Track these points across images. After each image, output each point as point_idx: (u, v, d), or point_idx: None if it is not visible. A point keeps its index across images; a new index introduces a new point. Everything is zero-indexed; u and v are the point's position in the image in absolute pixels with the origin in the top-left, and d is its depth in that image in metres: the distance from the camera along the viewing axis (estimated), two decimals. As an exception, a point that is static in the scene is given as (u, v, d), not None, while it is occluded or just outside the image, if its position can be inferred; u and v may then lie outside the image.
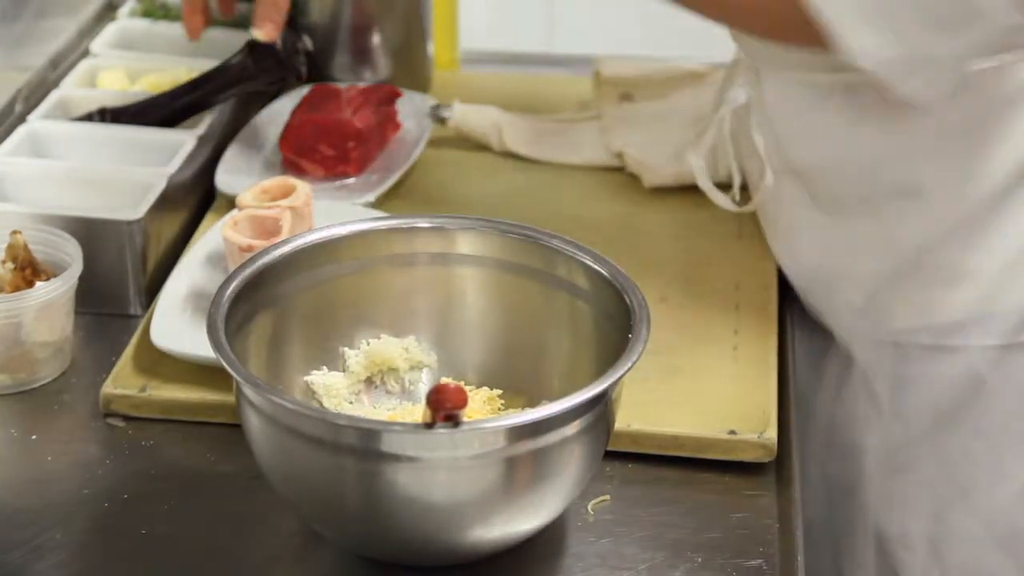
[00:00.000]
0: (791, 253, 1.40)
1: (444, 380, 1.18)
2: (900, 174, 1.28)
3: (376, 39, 1.75)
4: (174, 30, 1.76)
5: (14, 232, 1.33)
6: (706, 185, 1.41)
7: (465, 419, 1.01)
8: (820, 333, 1.40)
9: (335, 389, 1.20)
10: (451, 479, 1.04)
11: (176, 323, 1.32)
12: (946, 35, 1.13)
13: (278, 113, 1.64)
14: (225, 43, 1.74)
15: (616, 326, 1.13)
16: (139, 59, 1.69)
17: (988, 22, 1.12)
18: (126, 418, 1.27)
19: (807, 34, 1.17)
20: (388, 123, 1.64)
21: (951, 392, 1.32)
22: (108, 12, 1.81)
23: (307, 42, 1.51)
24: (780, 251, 1.41)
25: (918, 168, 1.27)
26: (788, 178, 1.36)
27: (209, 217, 1.52)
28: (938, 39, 1.13)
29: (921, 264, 1.30)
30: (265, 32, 1.50)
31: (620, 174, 1.60)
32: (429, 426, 1.01)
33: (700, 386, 1.29)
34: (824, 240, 1.35)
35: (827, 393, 1.39)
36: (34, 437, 1.26)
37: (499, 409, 1.20)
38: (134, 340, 1.33)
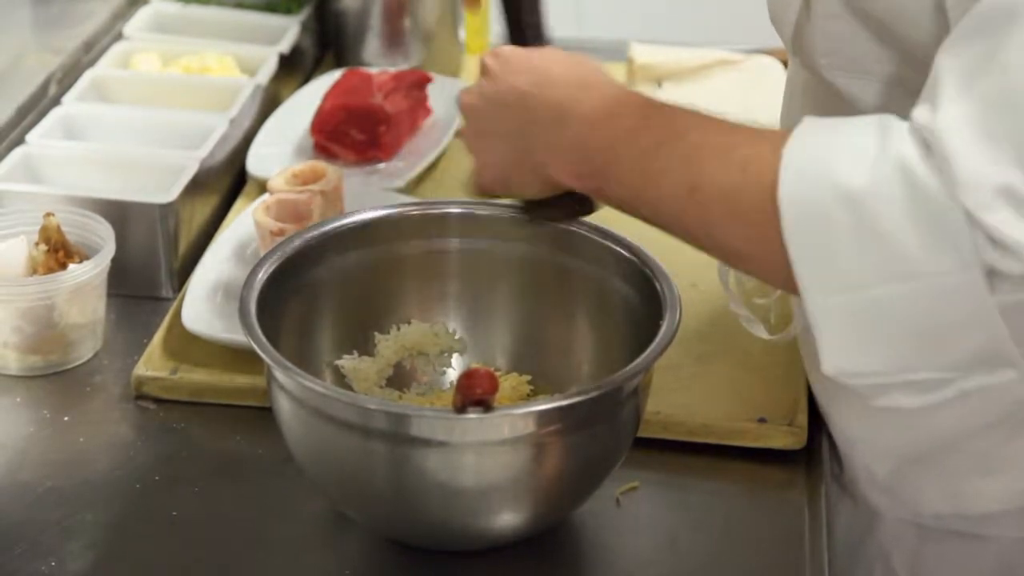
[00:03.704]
0: (821, 387, 1.25)
1: (474, 365, 1.18)
2: None
3: (407, 24, 1.75)
4: (207, 13, 1.77)
5: (47, 214, 1.33)
6: (739, 310, 1.29)
7: (495, 405, 1.01)
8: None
9: (365, 373, 1.20)
10: (480, 464, 1.04)
11: (207, 306, 1.33)
12: (932, 352, 0.97)
13: (309, 98, 1.64)
14: (260, 28, 1.75)
15: (646, 312, 1.12)
16: (172, 42, 1.70)
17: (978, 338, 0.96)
18: (157, 400, 1.28)
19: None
20: (419, 108, 1.64)
21: None
22: (141, -5, 1.82)
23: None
24: (811, 377, 1.27)
25: None
26: None
27: (240, 201, 1.53)
28: (924, 361, 0.97)
29: (956, 449, 1.16)
30: None
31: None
32: (459, 411, 1.01)
33: (730, 373, 1.29)
34: (852, 396, 1.13)
35: (839, 549, 1.24)
36: (66, 418, 1.27)
37: (528, 394, 1.20)
38: (165, 323, 1.34)
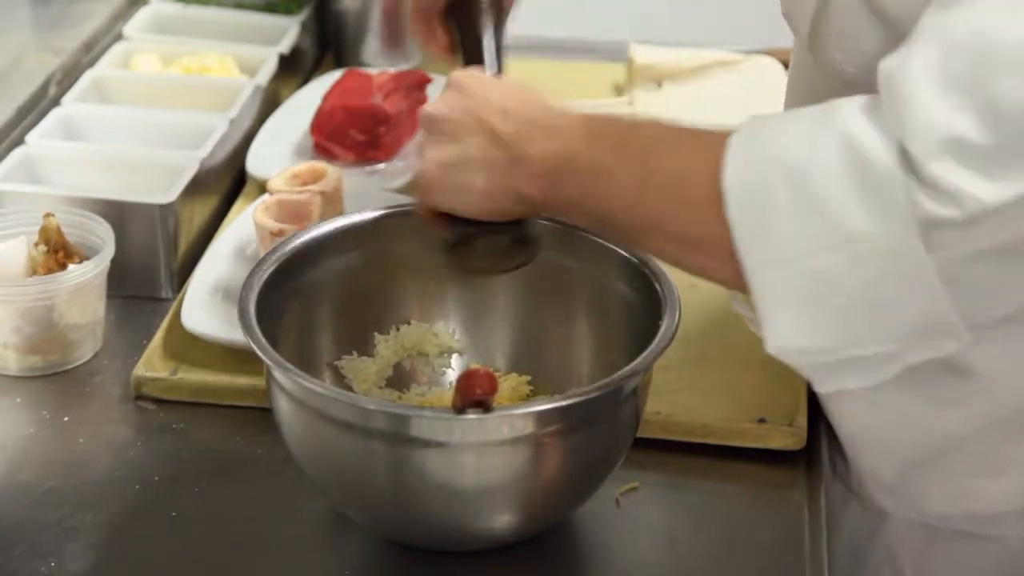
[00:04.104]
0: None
1: (474, 366, 1.18)
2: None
3: (407, 25, 1.75)
4: (206, 14, 1.77)
5: (47, 215, 1.34)
6: (744, 311, 1.27)
7: (494, 405, 1.01)
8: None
9: (365, 374, 1.20)
10: (480, 464, 1.04)
11: (207, 307, 1.33)
12: (875, 323, 0.96)
13: (309, 98, 1.64)
14: (260, 28, 1.75)
15: (646, 313, 1.12)
16: (172, 43, 1.70)
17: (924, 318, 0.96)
18: (157, 401, 1.28)
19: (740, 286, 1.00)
20: (419, 109, 1.63)
21: None
22: (141, -4, 1.82)
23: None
24: None
25: (972, 348, 1.09)
26: None
27: (240, 201, 1.53)
28: (866, 333, 0.97)
29: (962, 450, 1.16)
30: None
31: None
32: (459, 411, 1.01)
33: (730, 374, 1.29)
34: (858, 396, 1.15)
35: (845, 550, 1.24)
36: (66, 419, 1.27)
37: (528, 395, 1.20)
38: (165, 323, 1.34)
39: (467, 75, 1.12)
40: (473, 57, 1.17)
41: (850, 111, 0.94)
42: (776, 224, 0.95)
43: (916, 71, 0.92)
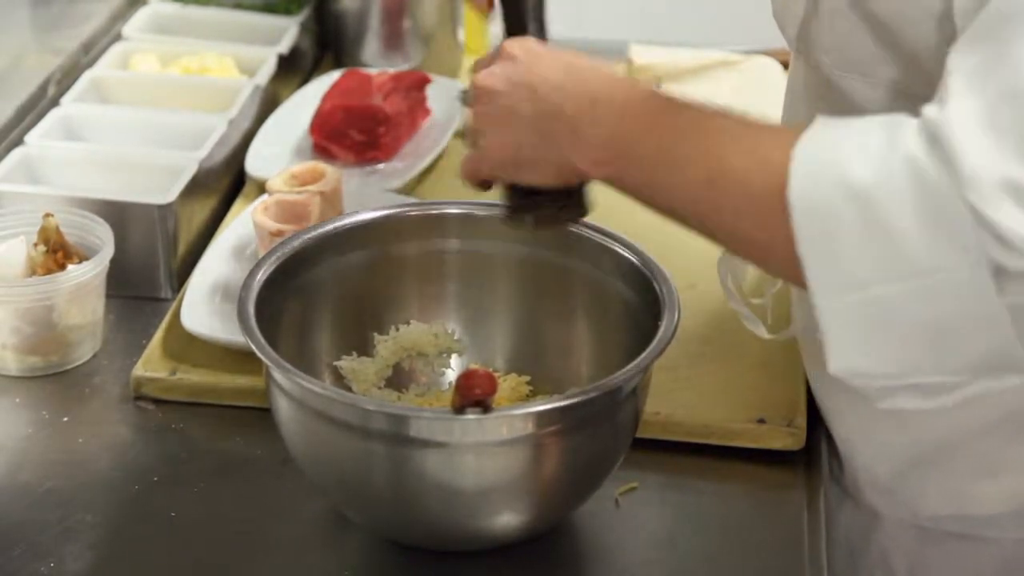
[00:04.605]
0: (823, 387, 1.24)
1: (473, 366, 1.18)
2: None
3: (407, 25, 1.75)
4: (206, 14, 1.77)
5: (46, 215, 1.33)
6: (739, 307, 1.28)
7: (494, 405, 1.01)
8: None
9: (364, 374, 1.20)
10: (479, 465, 1.04)
11: (206, 307, 1.33)
12: (939, 354, 0.96)
13: (308, 98, 1.64)
14: (260, 28, 1.75)
15: (645, 313, 1.13)
16: (171, 43, 1.70)
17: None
18: (156, 401, 1.28)
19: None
20: (418, 109, 1.64)
21: None
22: (140, -4, 1.82)
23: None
24: (812, 377, 1.26)
25: None
26: None
27: (239, 202, 1.53)
28: (929, 363, 0.96)
29: (957, 451, 1.16)
30: None
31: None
32: (458, 412, 1.01)
33: (729, 374, 1.29)
34: (853, 397, 1.15)
35: (840, 551, 1.24)
36: (65, 419, 1.27)
37: (527, 395, 1.20)
38: (164, 324, 1.34)
39: (518, 44, 1.09)
40: (516, 26, 1.14)
41: (912, 136, 0.92)
42: (842, 248, 0.93)
43: (960, 120, 0.91)
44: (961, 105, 0.91)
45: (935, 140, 0.91)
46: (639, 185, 1.04)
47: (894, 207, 0.91)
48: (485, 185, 1.13)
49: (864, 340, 0.95)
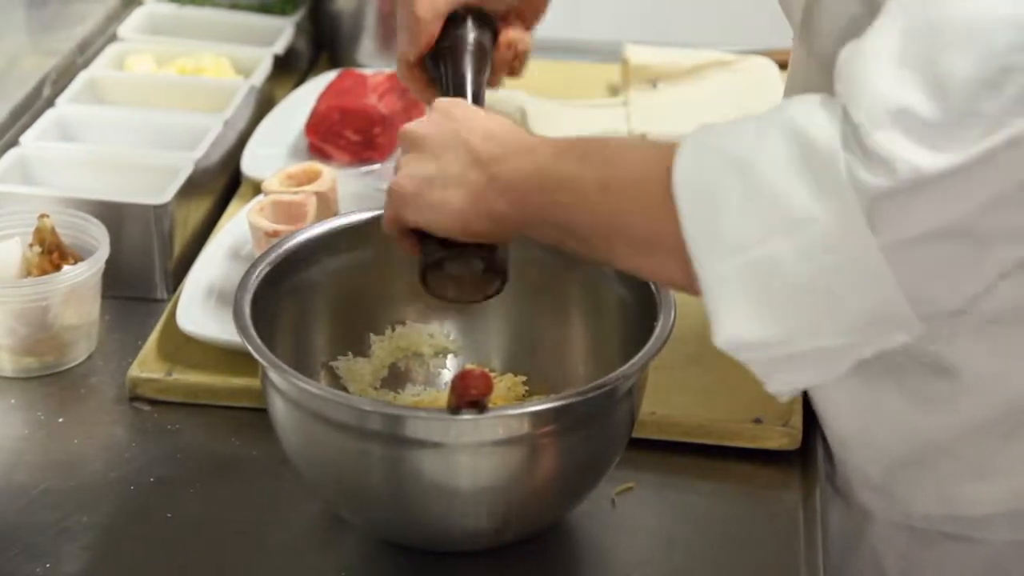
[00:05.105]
0: (818, 387, 1.22)
1: (469, 366, 1.18)
2: (934, 348, 1.12)
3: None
4: (201, 14, 1.77)
5: (42, 216, 1.33)
6: None
7: (490, 405, 1.01)
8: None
9: (360, 375, 1.20)
10: (475, 465, 1.04)
11: (202, 308, 1.33)
12: (826, 313, 0.95)
13: (304, 99, 1.64)
14: (255, 29, 1.75)
15: (641, 313, 1.13)
16: (167, 43, 1.69)
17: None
18: (152, 402, 1.28)
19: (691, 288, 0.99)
20: (414, 109, 1.64)
21: None
22: (136, -3, 1.82)
23: None
24: None
25: (956, 347, 1.11)
26: None
27: (235, 202, 1.53)
28: (816, 323, 0.95)
29: (949, 452, 1.15)
30: None
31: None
32: (454, 412, 1.01)
33: (726, 374, 1.28)
34: (846, 396, 1.18)
35: (831, 551, 1.23)
36: (61, 420, 1.27)
37: (523, 395, 1.21)
38: (160, 324, 1.34)
39: (452, 102, 1.13)
40: (456, 93, 1.19)
41: (799, 104, 0.95)
42: (724, 214, 0.94)
43: (874, 50, 0.93)
44: (877, 41, 0.93)
45: (845, 66, 0.93)
46: (542, 206, 1.04)
47: (770, 165, 0.93)
48: (405, 234, 1.11)
49: (748, 304, 0.95)
